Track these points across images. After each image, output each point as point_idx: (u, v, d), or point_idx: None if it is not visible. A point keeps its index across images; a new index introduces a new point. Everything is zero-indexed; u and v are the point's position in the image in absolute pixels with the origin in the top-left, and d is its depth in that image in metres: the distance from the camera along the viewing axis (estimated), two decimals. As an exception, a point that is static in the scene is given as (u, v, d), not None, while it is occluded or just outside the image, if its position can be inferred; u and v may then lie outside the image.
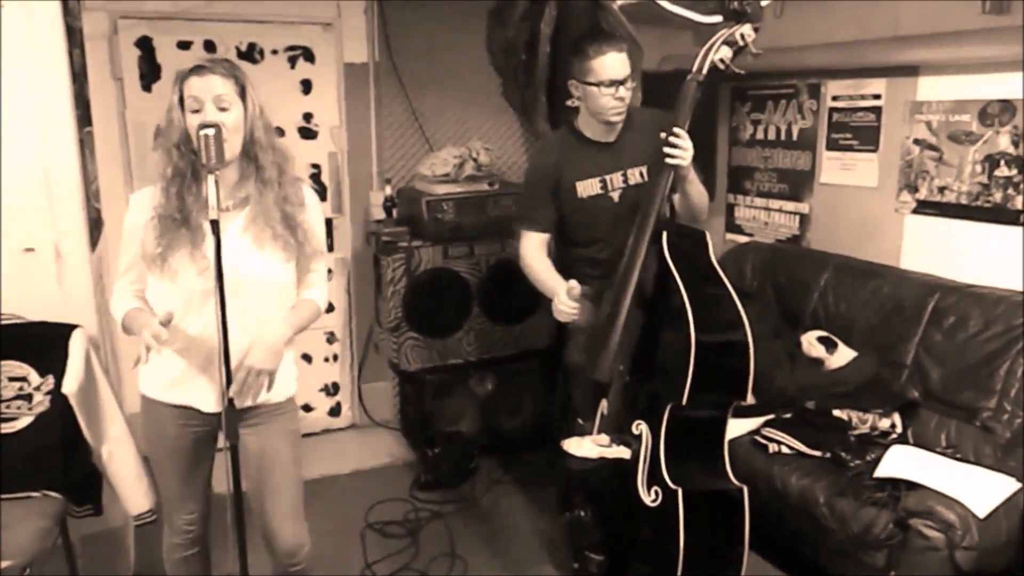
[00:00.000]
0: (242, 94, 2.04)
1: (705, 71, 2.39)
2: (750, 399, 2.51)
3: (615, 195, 2.72)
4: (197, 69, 1.99)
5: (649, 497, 2.41)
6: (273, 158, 2.10)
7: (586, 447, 2.51)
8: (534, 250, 2.81)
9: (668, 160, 2.40)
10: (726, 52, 2.37)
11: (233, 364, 2.02)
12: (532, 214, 2.82)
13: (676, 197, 2.65)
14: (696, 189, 2.63)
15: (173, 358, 2.13)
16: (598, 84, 2.58)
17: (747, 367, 2.37)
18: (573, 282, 2.54)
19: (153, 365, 2.08)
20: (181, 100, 1.99)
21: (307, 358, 4.36)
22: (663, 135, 2.40)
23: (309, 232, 2.18)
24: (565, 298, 2.53)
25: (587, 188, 2.73)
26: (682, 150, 2.39)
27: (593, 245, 2.78)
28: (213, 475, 2.34)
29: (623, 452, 2.48)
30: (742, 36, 2.35)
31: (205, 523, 2.37)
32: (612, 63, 2.56)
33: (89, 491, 2.68)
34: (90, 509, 2.68)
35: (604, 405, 2.59)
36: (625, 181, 2.72)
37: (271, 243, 2.10)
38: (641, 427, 2.45)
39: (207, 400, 2.15)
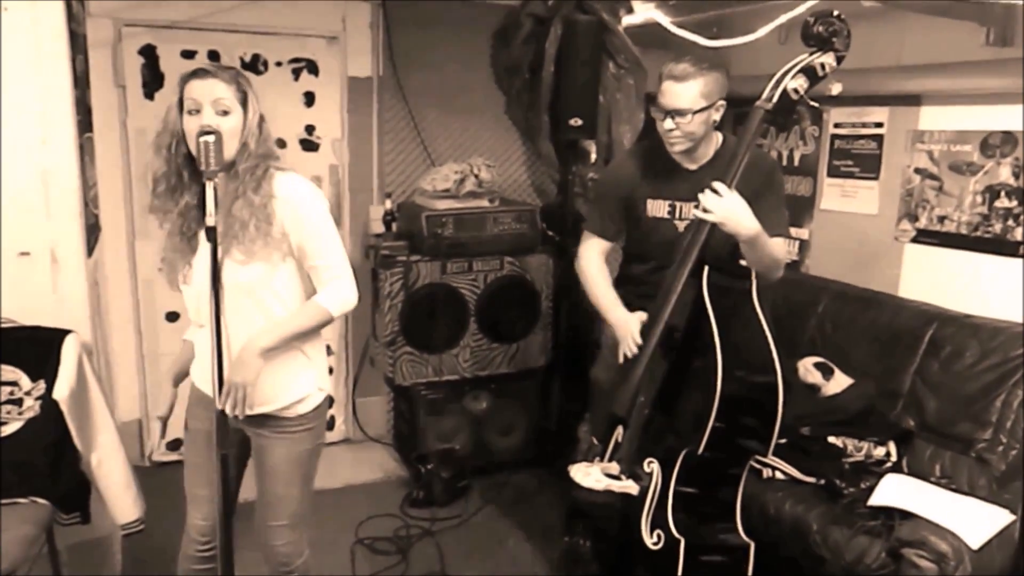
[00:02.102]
0: (243, 101, 2.02)
1: (776, 99, 2.17)
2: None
3: (681, 225, 2.60)
4: (200, 72, 1.99)
5: (651, 539, 2.33)
6: (251, 165, 2.03)
7: (592, 477, 2.37)
8: (593, 256, 2.76)
9: (695, 212, 2.24)
10: (802, 81, 2.17)
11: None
12: (597, 219, 2.78)
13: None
14: (763, 256, 2.37)
15: (204, 357, 2.17)
16: (656, 108, 2.47)
17: (773, 424, 2.27)
18: (642, 314, 2.46)
19: (198, 357, 2.24)
20: (180, 102, 1.99)
21: (302, 370, 4.34)
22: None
23: (280, 226, 2.06)
24: (637, 334, 2.42)
25: (656, 208, 2.64)
26: (714, 204, 2.19)
27: (646, 263, 2.71)
28: (242, 483, 2.36)
29: (631, 487, 2.36)
30: (822, 66, 2.16)
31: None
32: (670, 91, 2.41)
33: (77, 498, 2.65)
34: (77, 517, 2.65)
35: (620, 432, 2.47)
36: None
37: (232, 246, 2.03)
38: (653, 465, 2.36)
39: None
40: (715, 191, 2.21)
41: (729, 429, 2.22)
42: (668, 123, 2.44)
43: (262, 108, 2.09)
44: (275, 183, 2.06)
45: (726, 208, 2.20)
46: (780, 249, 2.50)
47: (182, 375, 2.33)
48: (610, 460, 2.46)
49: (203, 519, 2.27)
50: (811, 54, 2.19)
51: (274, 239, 2.04)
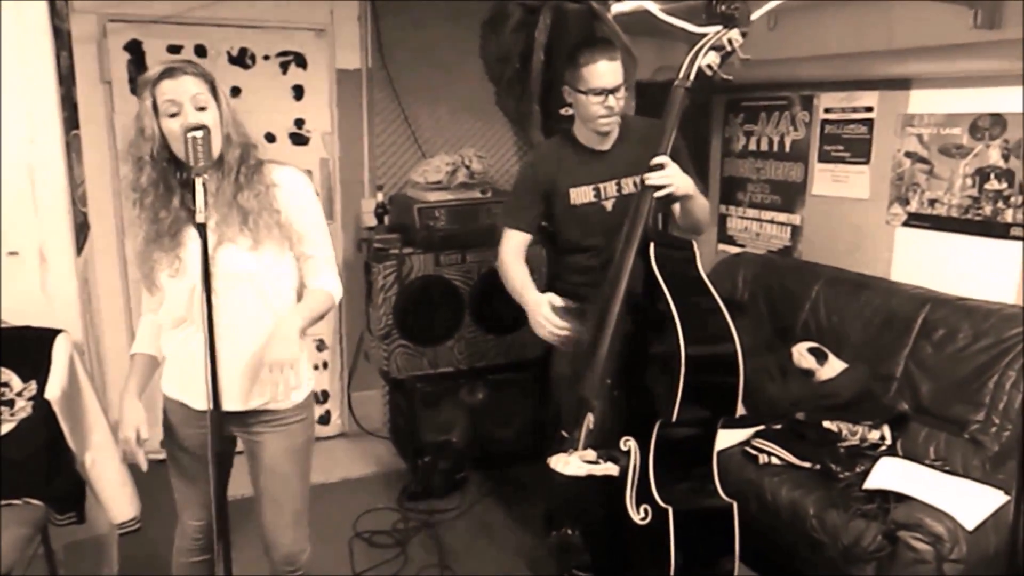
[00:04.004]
0: (214, 92, 1.99)
1: (692, 77, 2.37)
2: (740, 410, 2.47)
3: (608, 204, 2.72)
4: (168, 72, 1.93)
5: (638, 515, 2.36)
6: (238, 153, 2.03)
7: (573, 465, 2.42)
8: (513, 250, 2.80)
9: (647, 182, 2.40)
10: (713, 57, 2.35)
11: (243, 365, 2.06)
12: (517, 213, 2.83)
13: (677, 207, 2.63)
14: (697, 212, 2.62)
15: (185, 360, 2.11)
16: (587, 92, 2.58)
17: (736, 381, 2.34)
18: (552, 295, 2.53)
19: (171, 364, 2.15)
20: (155, 106, 1.92)
21: (296, 365, 4.33)
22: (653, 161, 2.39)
23: (284, 215, 2.07)
24: (548, 312, 2.50)
25: (580, 195, 2.73)
26: (663, 176, 2.38)
27: (584, 252, 2.77)
28: (229, 481, 2.28)
29: (611, 469, 2.40)
30: (729, 41, 2.34)
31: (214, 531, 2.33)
32: (602, 71, 2.56)
33: (72, 499, 2.63)
34: (73, 517, 2.63)
35: (590, 419, 2.50)
36: (619, 190, 2.71)
37: (238, 235, 2.02)
38: (630, 443, 2.39)
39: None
40: (660, 165, 2.37)
41: (697, 393, 2.26)
42: (611, 100, 2.58)
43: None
44: (273, 173, 2.10)
45: (675, 175, 2.40)
46: (706, 204, 2.72)
47: (143, 389, 2.21)
48: (584, 449, 2.48)
49: (199, 519, 2.29)
50: (717, 32, 2.35)
51: (284, 227, 2.08)
